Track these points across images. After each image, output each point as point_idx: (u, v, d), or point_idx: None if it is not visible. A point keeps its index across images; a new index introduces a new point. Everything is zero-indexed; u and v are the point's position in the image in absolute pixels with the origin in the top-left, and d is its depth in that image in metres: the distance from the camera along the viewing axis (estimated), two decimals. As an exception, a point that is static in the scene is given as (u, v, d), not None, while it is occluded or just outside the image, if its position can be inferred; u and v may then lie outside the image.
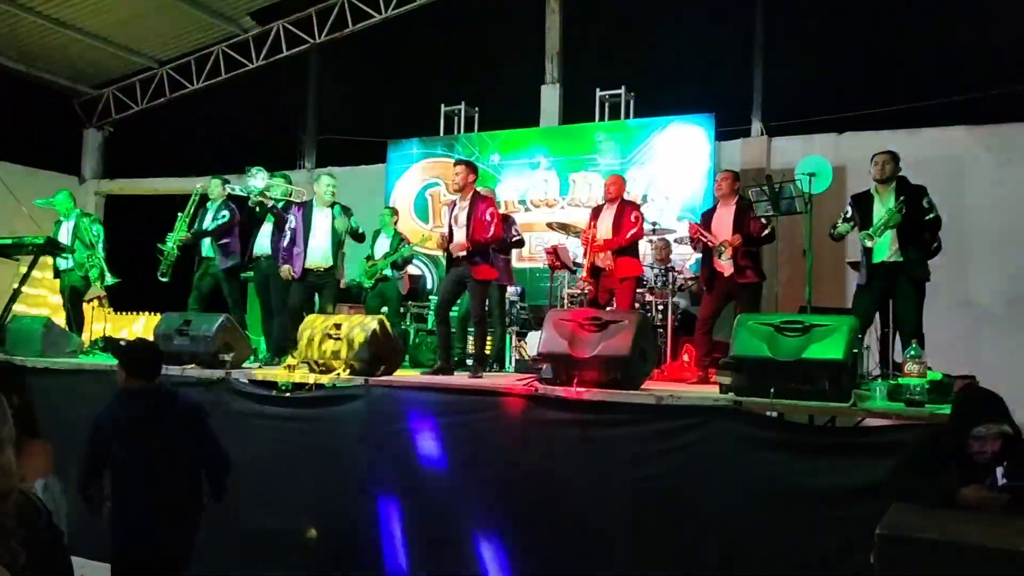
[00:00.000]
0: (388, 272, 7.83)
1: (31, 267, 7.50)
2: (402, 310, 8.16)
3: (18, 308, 7.47)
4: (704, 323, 6.15)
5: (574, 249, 8.02)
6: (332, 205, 6.62)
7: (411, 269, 8.60)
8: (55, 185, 12.06)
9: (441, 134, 10.99)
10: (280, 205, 6.81)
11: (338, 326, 5.66)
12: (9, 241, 7.50)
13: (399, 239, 8.01)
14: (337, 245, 6.61)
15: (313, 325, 5.78)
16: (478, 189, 6.39)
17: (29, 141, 12.34)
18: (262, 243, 7.00)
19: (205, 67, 12.87)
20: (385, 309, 7.69)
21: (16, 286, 7.41)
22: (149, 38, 12.55)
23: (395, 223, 8.29)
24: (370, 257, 7.97)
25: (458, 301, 6.79)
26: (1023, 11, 8.39)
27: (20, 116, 12.13)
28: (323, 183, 6.64)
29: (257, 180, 6.73)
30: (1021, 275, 8.38)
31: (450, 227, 6.18)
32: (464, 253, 6.00)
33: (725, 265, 6.04)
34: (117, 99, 13.67)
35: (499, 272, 6.72)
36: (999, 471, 3.06)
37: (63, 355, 6.84)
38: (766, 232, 6.11)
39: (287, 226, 6.60)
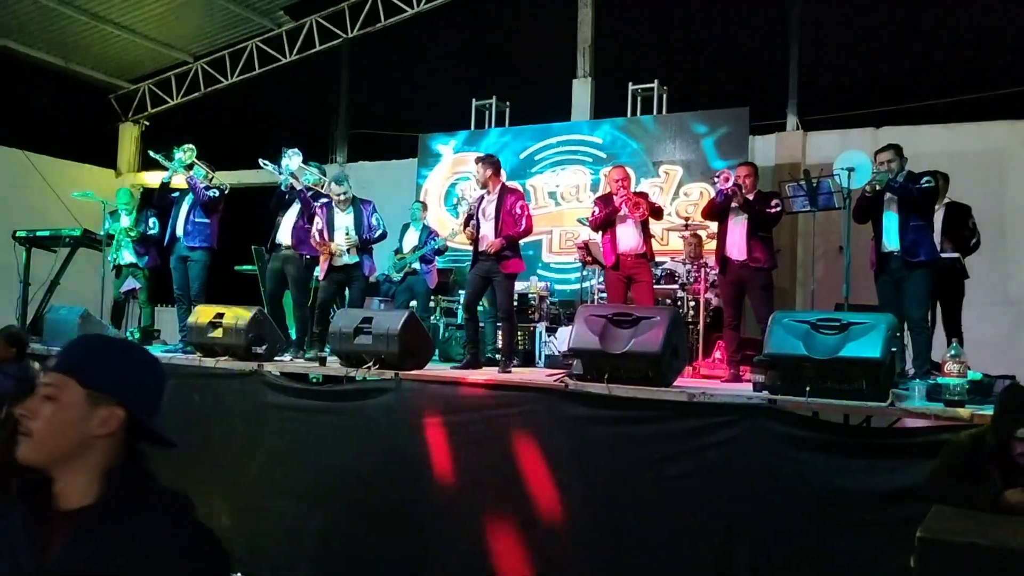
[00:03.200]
0: (417, 266, 7.84)
1: (68, 259, 7.62)
2: (431, 304, 8.17)
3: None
4: (730, 320, 6.08)
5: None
6: (349, 203, 6.68)
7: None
8: (92, 178, 12.30)
9: (472, 128, 10.98)
10: (310, 193, 6.83)
11: (368, 320, 5.67)
12: (47, 233, 7.63)
13: (428, 233, 8.02)
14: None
15: (344, 318, 5.81)
16: (505, 183, 6.39)
17: (67, 135, 12.55)
18: (285, 232, 7.01)
19: (239, 62, 12.97)
20: (414, 303, 7.70)
21: (54, 277, 7.54)
22: (184, 33, 12.67)
23: (424, 217, 8.28)
24: (399, 251, 7.99)
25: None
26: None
27: (58, 110, 12.34)
28: (335, 191, 6.70)
29: (292, 161, 6.78)
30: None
31: (477, 219, 6.18)
32: (495, 250, 6.00)
33: (736, 251, 5.97)
34: (152, 93, 13.82)
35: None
36: (1044, 474, 2.98)
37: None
38: (776, 210, 6.01)
39: (315, 221, 6.63)
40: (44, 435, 1.46)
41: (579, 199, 9.87)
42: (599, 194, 6.91)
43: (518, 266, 6.19)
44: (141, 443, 1.54)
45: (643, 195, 6.65)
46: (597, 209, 6.55)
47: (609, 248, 6.45)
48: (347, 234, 6.58)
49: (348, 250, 6.60)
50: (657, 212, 6.56)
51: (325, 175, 7.19)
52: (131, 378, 1.55)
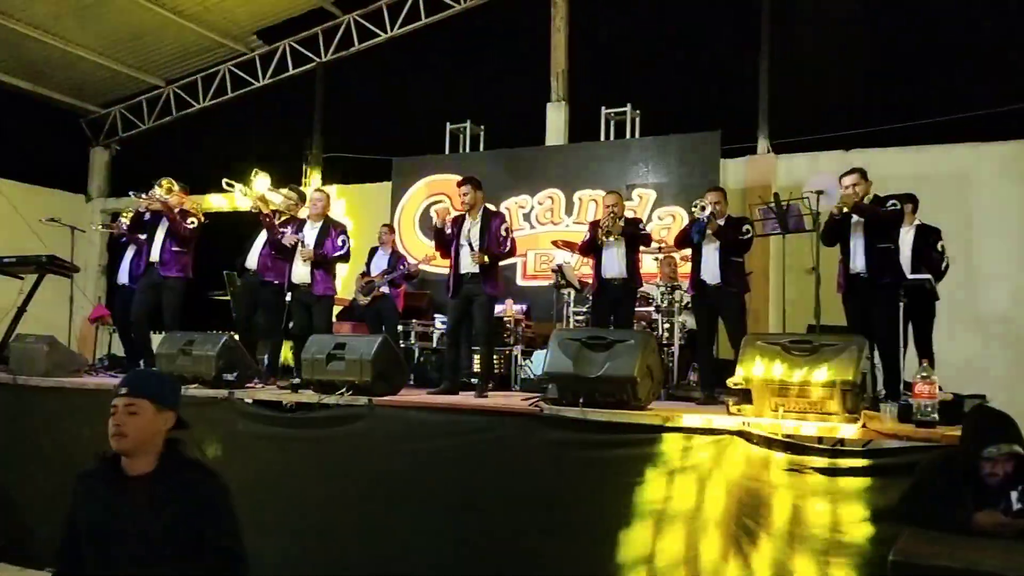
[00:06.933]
0: (385, 290, 7.79)
1: (35, 286, 7.49)
2: (402, 328, 8.12)
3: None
4: (705, 342, 6.11)
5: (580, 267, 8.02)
6: (320, 219, 6.61)
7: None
8: (61, 203, 12.14)
9: (447, 152, 10.99)
10: (281, 219, 6.76)
11: (342, 345, 5.62)
12: (14, 259, 7.49)
13: (396, 257, 7.99)
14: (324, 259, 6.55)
15: (317, 344, 5.75)
16: (487, 206, 6.40)
17: (36, 160, 12.41)
18: (253, 257, 6.92)
19: (212, 86, 12.94)
20: (383, 328, 7.65)
21: (20, 304, 7.39)
22: (156, 57, 12.62)
23: (392, 240, 8.25)
24: (366, 274, 7.94)
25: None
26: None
27: (27, 135, 12.21)
28: (314, 196, 6.68)
29: (259, 184, 6.72)
30: (1031, 293, 8.31)
31: (457, 244, 6.17)
32: (478, 268, 6.02)
33: (710, 275, 6.05)
34: (124, 118, 13.74)
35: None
36: (1013, 495, 3.00)
37: (68, 375, 6.79)
38: (746, 237, 6.08)
39: (286, 240, 6.55)
40: (135, 434, 2.51)
41: (553, 222, 9.89)
42: (591, 219, 7.02)
43: (498, 287, 6.21)
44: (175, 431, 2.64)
45: (633, 222, 6.71)
46: (588, 235, 6.65)
47: (594, 274, 6.54)
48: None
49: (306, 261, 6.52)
50: (644, 239, 6.61)
51: (304, 200, 7.09)
52: (171, 392, 2.71)
